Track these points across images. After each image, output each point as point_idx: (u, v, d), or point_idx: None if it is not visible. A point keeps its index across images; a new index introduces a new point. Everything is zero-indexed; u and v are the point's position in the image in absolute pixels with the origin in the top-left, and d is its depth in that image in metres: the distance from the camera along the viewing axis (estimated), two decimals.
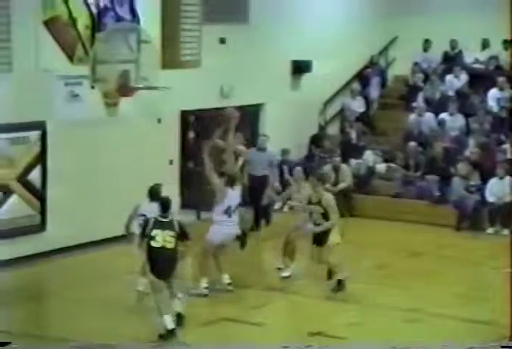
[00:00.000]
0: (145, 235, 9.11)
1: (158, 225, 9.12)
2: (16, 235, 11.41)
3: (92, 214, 12.10)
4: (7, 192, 11.41)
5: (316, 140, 15.90)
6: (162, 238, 9.04)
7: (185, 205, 13.93)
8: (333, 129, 16.52)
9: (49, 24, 11.61)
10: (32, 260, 11.40)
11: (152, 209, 9.55)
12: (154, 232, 9.07)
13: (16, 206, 11.50)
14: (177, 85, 12.89)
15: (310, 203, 10.54)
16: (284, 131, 15.22)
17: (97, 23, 12.09)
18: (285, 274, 11.06)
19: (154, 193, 10.01)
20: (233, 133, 10.74)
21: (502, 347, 6.72)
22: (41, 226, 11.77)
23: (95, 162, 12.22)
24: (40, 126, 11.73)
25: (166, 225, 9.13)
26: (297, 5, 15.27)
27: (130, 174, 12.58)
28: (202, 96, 13.82)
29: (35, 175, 11.71)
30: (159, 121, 13.33)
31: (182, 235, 9.19)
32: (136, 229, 9.77)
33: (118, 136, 12.65)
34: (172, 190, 13.77)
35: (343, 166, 14.68)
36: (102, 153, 12.36)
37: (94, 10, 12.08)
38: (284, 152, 15.20)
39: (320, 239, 10.41)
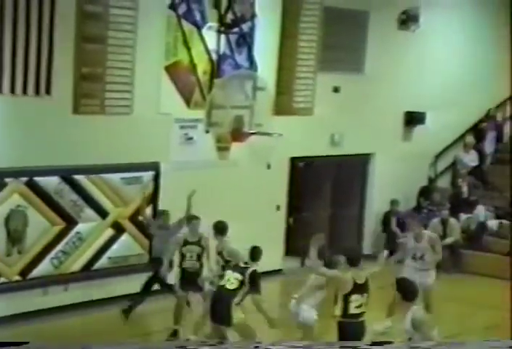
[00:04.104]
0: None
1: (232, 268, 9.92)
2: (126, 273, 12.14)
3: None
4: (119, 230, 12.21)
5: (425, 192, 16.21)
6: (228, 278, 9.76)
7: (289, 251, 14.45)
8: (443, 182, 16.78)
9: (170, 69, 12.45)
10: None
11: None
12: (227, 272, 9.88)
13: (126, 245, 12.27)
14: (288, 132, 13.53)
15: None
16: (392, 182, 15.63)
17: (215, 69, 12.93)
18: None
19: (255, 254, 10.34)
20: None
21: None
22: (149, 265, 12.32)
23: (204, 204, 12.88)
24: (154, 167, 12.55)
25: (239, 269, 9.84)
26: (414, 56, 15.74)
27: (238, 217, 13.17)
28: (312, 143, 14.42)
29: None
30: (269, 166, 13.95)
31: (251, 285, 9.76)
32: None
33: (228, 180, 13.34)
34: (277, 236, 14.39)
35: (452, 220, 14.89)
36: (212, 195, 13.00)
37: (214, 57, 12.90)
38: (393, 203, 15.56)
39: None
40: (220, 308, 9.70)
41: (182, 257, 10.76)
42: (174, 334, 10.79)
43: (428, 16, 15.66)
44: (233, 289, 9.75)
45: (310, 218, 14.79)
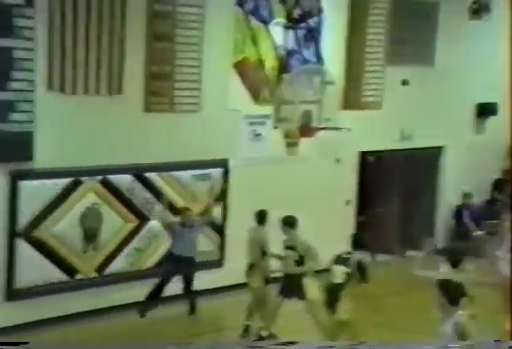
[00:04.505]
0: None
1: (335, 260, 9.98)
2: (196, 269, 12.47)
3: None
4: None
5: (498, 185, 16.28)
6: (334, 273, 9.89)
7: (358, 246, 14.70)
8: None
9: (238, 66, 12.73)
10: (208, 295, 12.36)
11: None
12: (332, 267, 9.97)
13: (197, 241, 12.68)
14: (357, 126, 13.80)
15: None
16: (464, 175, 15.74)
17: (283, 65, 13.19)
18: None
19: (358, 240, 10.71)
20: None
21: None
22: (220, 261, 12.83)
23: (273, 200, 13.15)
24: (223, 163, 12.88)
25: (344, 260, 9.94)
26: (485, 46, 15.75)
27: (307, 212, 13.46)
28: (382, 137, 14.61)
29: (216, 211, 12.74)
30: (338, 161, 14.17)
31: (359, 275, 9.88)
32: None
33: (297, 175, 13.58)
34: (346, 231, 14.61)
35: None
36: (281, 191, 13.22)
37: (281, 53, 13.14)
38: (466, 196, 15.61)
39: None
40: (330, 302, 9.83)
41: (282, 261, 10.72)
42: (247, 330, 11.03)
43: (500, 4, 15.74)
44: (341, 283, 9.86)
45: (381, 213, 15.01)
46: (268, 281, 11.04)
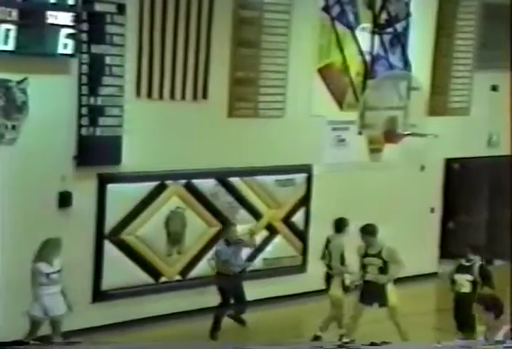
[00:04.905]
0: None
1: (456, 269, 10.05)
2: (278, 274, 12.73)
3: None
4: (273, 232, 12.79)
5: None
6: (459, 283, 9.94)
7: (444, 255, 14.66)
8: None
9: (323, 71, 12.93)
10: (291, 300, 12.71)
11: None
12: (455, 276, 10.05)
13: (280, 247, 12.83)
14: (443, 132, 13.87)
15: None
16: None
17: (368, 71, 13.39)
18: None
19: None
20: None
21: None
22: (302, 267, 13.07)
23: (355, 206, 13.34)
24: (306, 169, 13.15)
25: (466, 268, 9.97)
26: None
27: (390, 219, 13.62)
28: (468, 144, 14.67)
29: (299, 217, 13.10)
30: (422, 168, 14.29)
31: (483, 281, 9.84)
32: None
33: (380, 181, 13.67)
34: (431, 239, 14.78)
35: None
36: (363, 197, 13.39)
37: (367, 58, 13.35)
38: None
39: None
40: (461, 315, 9.86)
41: (364, 268, 10.83)
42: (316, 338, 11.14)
43: None
44: (469, 292, 9.89)
45: (467, 220, 15.04)
46: (347, 288, 11.22)
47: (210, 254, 11.88)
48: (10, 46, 9.82)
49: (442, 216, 14.82)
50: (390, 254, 10.68)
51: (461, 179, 14.77)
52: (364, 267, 10.82)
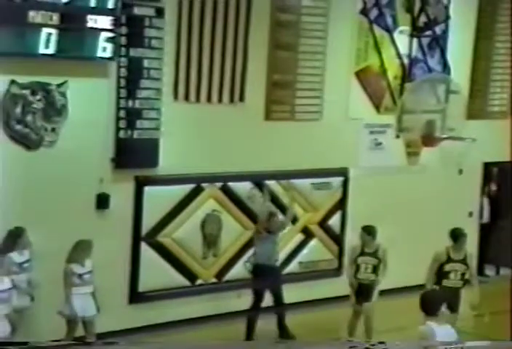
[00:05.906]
0: None
1: None
2: (314, 278, 12.96)
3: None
4: (309, 235, 13.02)
5: None
6: None
7: (483, 259, 14.86)
8: None
9: (360, 74, 13.11)
10: (326, 304, 12.84)
11: None
12: None
13: (316, 250, 13.07)
14: (482, 136, 13.97)
15: None
16: None
17: (406, 74, 13.52)
18: None
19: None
20: None
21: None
22: (338, 271, 13.24)
23: (393, 210, 13.52)
24: (343, 172, 13.34)
25: None
26: None
27: (427, 223, 13.81)
28: (507, 148, 14.79)
29: (335, 220, 13.31)
30: (460, 172, 14.40)
31: None
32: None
33: (418, 185, 13.82)
34: (470, 243, 14.83)
35: None
36: (401, 201, 13.55)
37: (405, 61, 13.51)
38: None
39: None
40: None
41: (357, 268, 11.04)
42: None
43: None
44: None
45: (506, 225, 15.19)
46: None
47: (246, 256, 12.10)
48: (51, 49, 10.13)
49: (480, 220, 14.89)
50: (384, 254, 11.05)
51: (499, 183, 14.84)
52: (357, 267, 11.09)
